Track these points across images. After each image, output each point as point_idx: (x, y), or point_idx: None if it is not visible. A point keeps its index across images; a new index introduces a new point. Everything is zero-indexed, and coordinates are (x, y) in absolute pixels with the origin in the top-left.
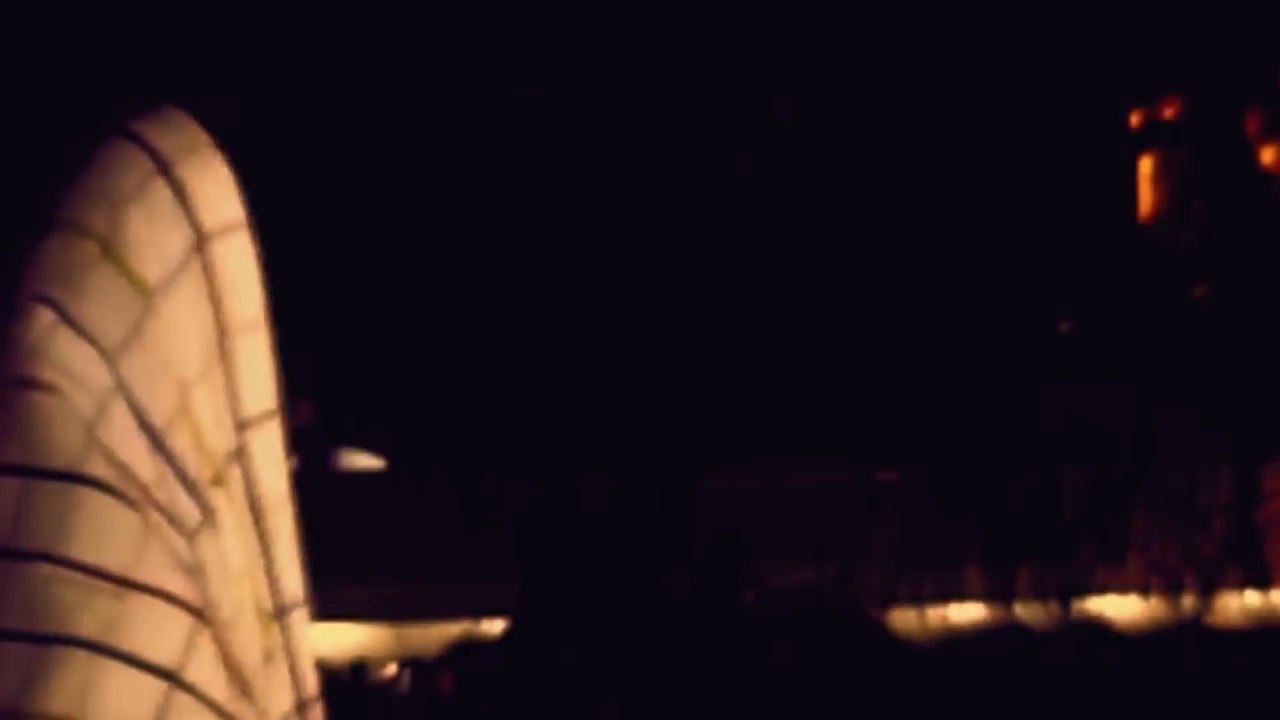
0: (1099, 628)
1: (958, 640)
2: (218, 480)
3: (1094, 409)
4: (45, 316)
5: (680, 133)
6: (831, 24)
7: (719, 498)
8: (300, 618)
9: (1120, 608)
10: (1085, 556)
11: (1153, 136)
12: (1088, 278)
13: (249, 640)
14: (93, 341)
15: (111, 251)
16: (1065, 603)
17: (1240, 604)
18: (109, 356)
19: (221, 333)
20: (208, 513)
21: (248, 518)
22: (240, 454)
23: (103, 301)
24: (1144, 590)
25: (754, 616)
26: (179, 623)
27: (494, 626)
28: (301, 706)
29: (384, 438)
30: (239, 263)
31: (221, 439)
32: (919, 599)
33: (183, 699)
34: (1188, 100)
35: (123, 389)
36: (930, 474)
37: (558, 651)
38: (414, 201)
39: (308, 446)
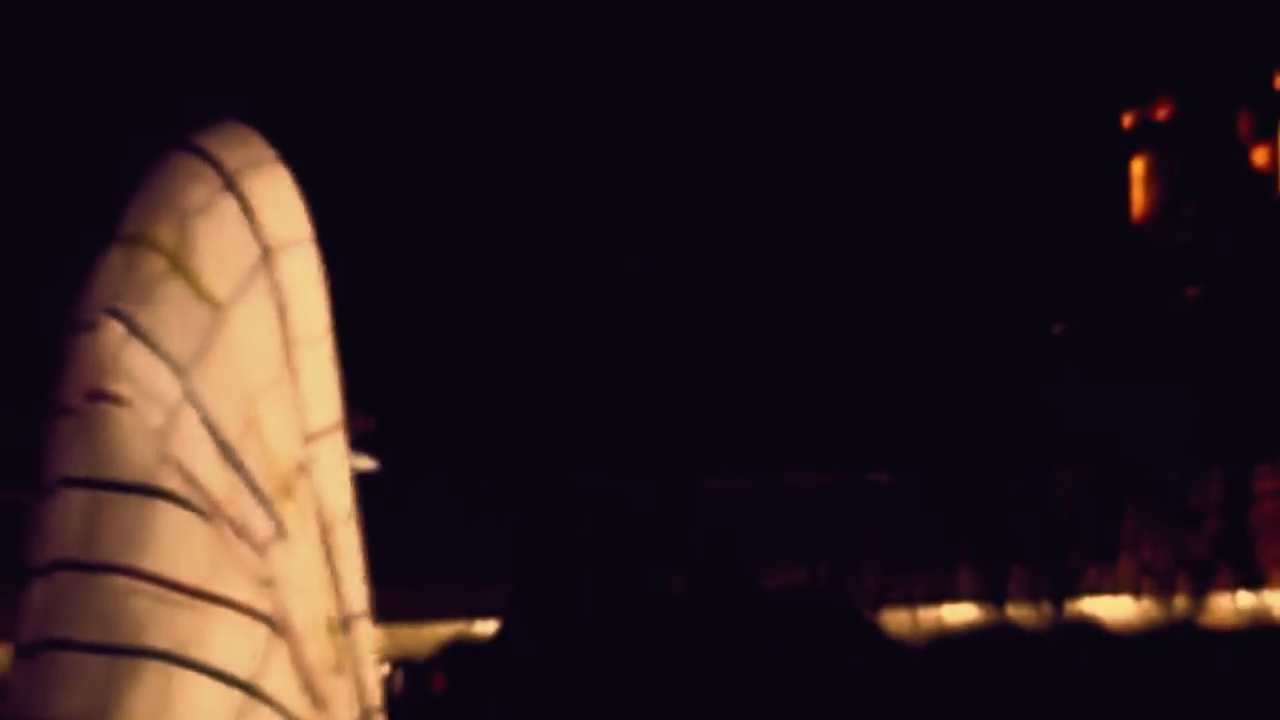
0: (1091, 629)
1: (950, 641)
2: (286, 492)
3: (1086, 410)
4: (116, 330)
5: (674, 136)
6: (825, 27)
7: (713, 498)
8: (364, 628)
9: (1112, 609)
10: (1077, 557)
11: (1145, 137)
12: (1080, 278)
13: (319, 650)
14: (163, 355)
15: (181, 266)
16: (1058, 604)
17: (1232, 605)
18: (179, 369)
19: (288, 345)
20: (278, 524)
21: (314, 529)
22: (307, 466)
23: (173, 315)
24: (1136, 591)
25: (747, 617)
26: (254, 634)
27: (486, 627)
28: (366, 715)
29: (377, 438)
30: (304, 275)
31: (289, 451)
32: (912, 600)
33: (259, 709)
34: (1180, 101)
35: (193, 401)
36: (923, 475)
37: (550, 652)
38: (408, 203)
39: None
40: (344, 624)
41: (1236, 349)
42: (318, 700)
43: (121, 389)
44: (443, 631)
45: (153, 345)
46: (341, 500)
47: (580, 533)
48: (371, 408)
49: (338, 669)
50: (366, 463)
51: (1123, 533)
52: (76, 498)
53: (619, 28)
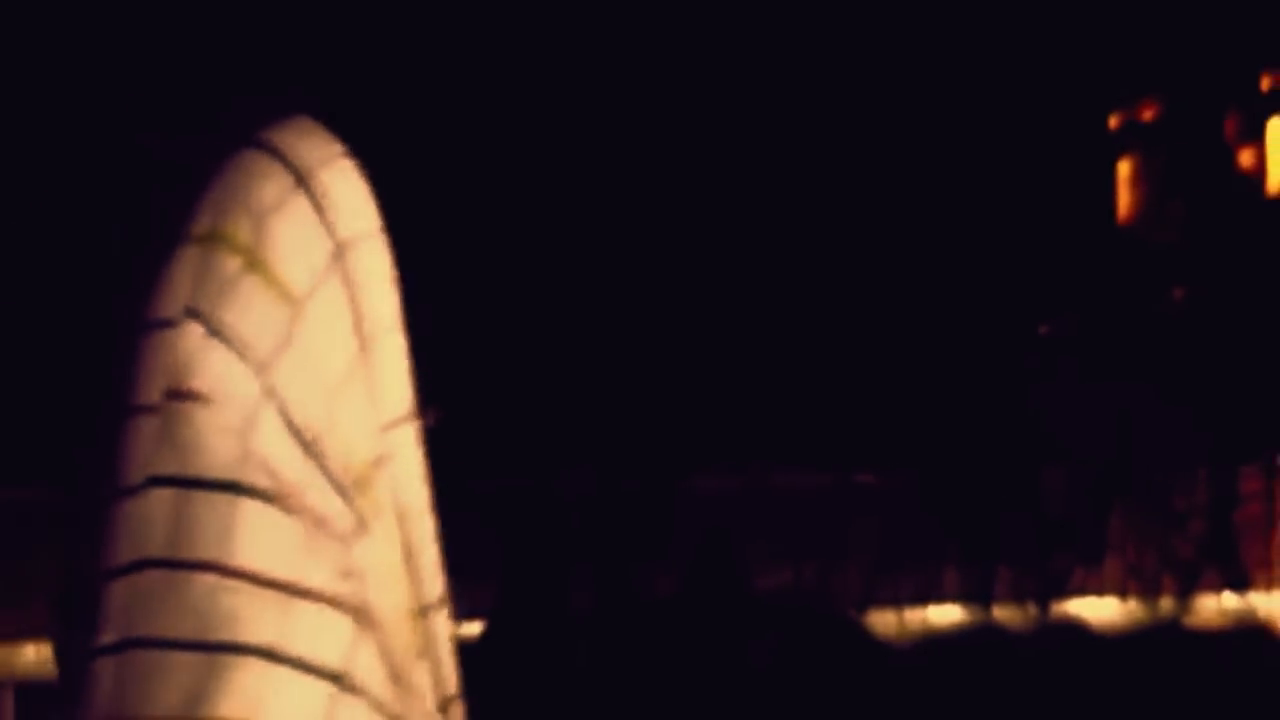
0: (1077, 630)
1: (936, 642)
2: (365, 484)
3: (1073, 411)
4: (195, 330)
5: (664, 142)
6: (811, 32)
7: (700, 499)
8: (442, 617)
9: (1098, 610)
10: (1063, 558)
11: (1132, 139)
12: (1067, 280)
13: (403, 639)
14: (243, 352)
15: (257, 263)
16: (1043, 605)
17: (1218, 606)
18: (259, 366)
19: (363, 338)
20: (359, 516)
21: (392, 519)
22: (384, 457)
23: (251, 313)
24: (1122, 592)
25: (734, 617)
26: (342, 625)
27: (472, 628)
28: (445, 703)
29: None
30: (376, 268)
31: (367, 443)
32: (898, 601)
33: (350, 700)
34: (1166, 103)
35: (273, 398)
36: (909, 476)
37: (537, 653)
38: (397, 202)
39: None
40: (421, 612)
41: (1223, 350)
42: (405, 688)
43: (203, 387)
44: None
45: (232, 343)
46: (417, 490)
47: (568, 533)
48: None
49: (419, 657)
50: None
51: (1109, 534)
52: (160, 497)
53: (621, 38)
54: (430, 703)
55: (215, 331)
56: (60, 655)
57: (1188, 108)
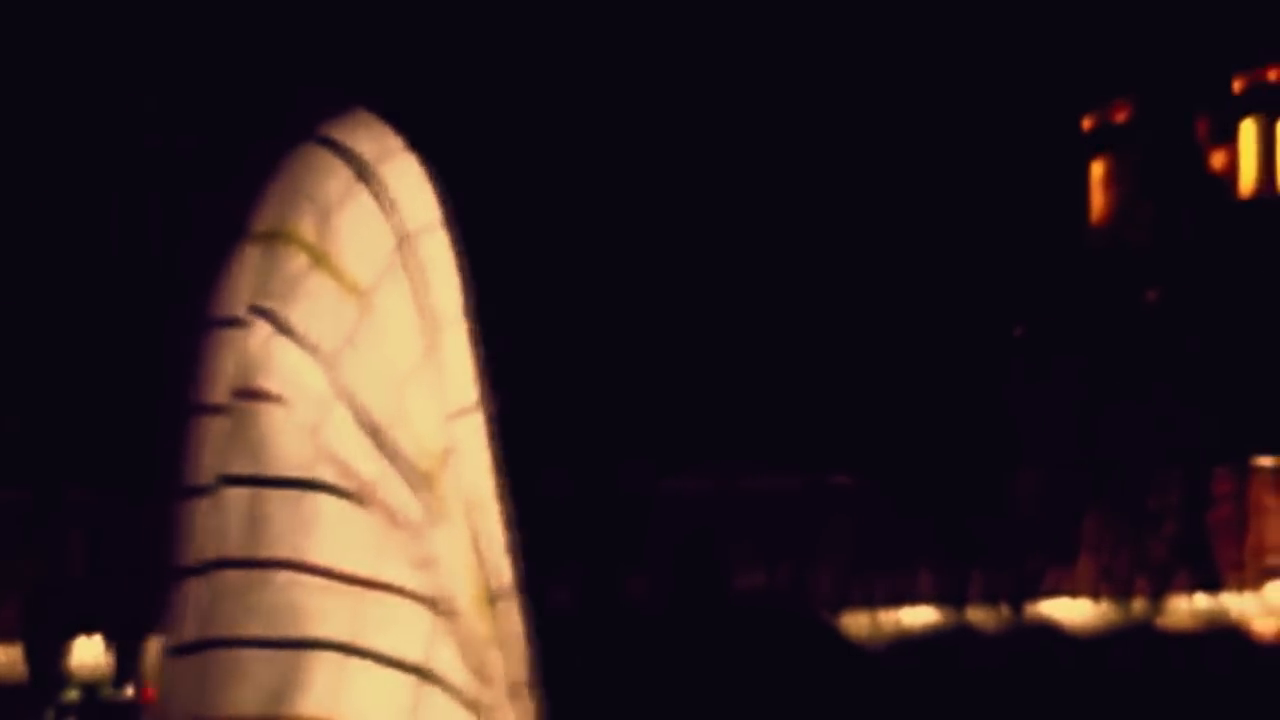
0: (1050, 631)
1: (909, 643)
2: (435, 475)
3: (1046, 413)
4: (263, 328)
5: (643, 149)
6: (785, 39)
7: (673, 500)
8: (511, 605)
9: (1071, 611)
10: (1036, 560)
11: (1104, 140)
12: (1040, 282)
13: (477, 629)
14: (312, 349)
15: (323, 259)
16: (1017, 606)
17: (1190, 607)
18: (328, 363)
19: (429, 330)
20: (431, 507)
21: (462, 509)
22: (453, 447)
23: (318, 309)
24: (1095, 594)
25: (715, 619)
26: (421, 618)
27: None
28: (516, 690)
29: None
30: (440, 259)
31: (436, 434)
32: (872, 602)
33: (433, 692)
34: (1139, 105)
35: (343, 393)
36: (883, 479)
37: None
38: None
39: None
40: (494, 600)
41: (1195, 351)
42: (483, 677)
43: (274, 386)
44: None
45: (300, 340)
46: (484, 479)
47: (542, 534)
48: None
49: (492, 645)
50: None
51: (1082, 535)
52: (234, 496)
53: (617, 44)
54: (502, 690)
55: (283, 329)
56: (30, 656)
57: (1160, 110)
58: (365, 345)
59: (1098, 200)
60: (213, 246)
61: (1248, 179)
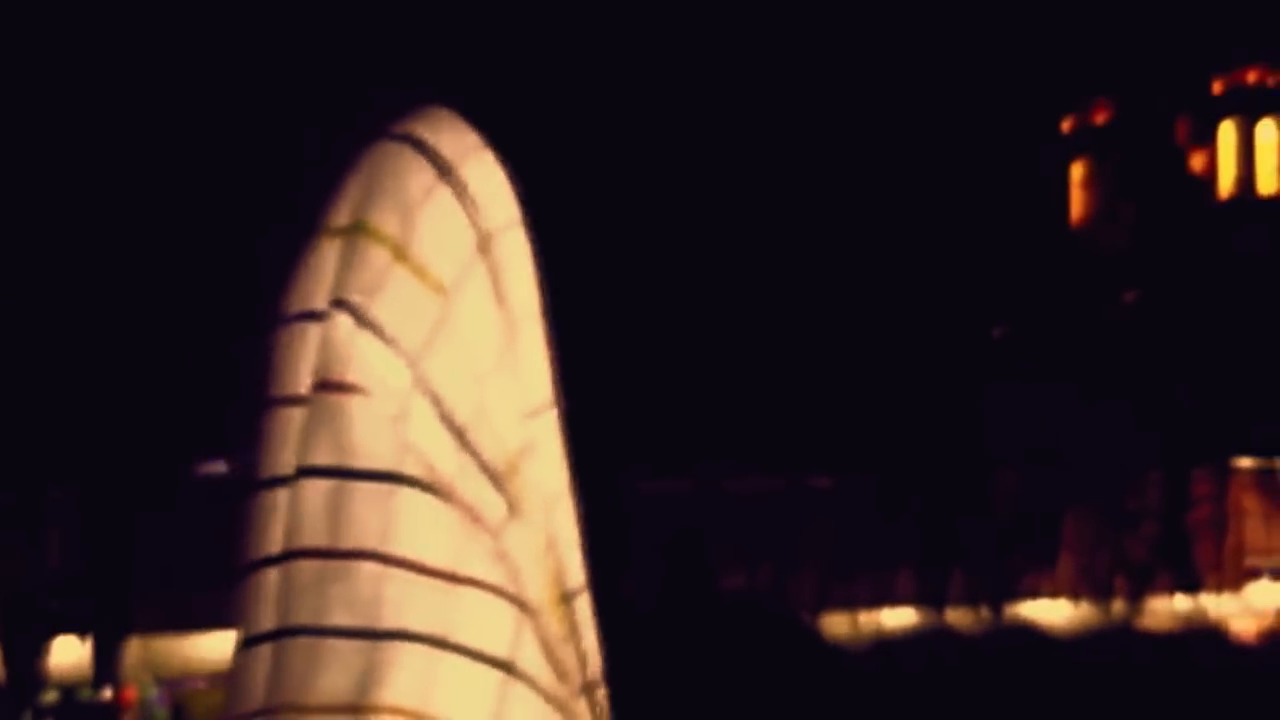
0: (1029, 632)
1: (890, 644)
2: (514, 472)
3: (1026, 414)
4: (345, 321)
5: (618, 150)
6: (775, 40)
7: (656, 502)
8: (584, 602)
9: (1051, 612)
10: (1016, 561)
11: (1084, 142)
12: (1020, 283)
13: (553, 626)
14: (394, 344)
15: (404, 255)
16: (996, 607)
17: (1169, 608)
18: (411, 358)
19: (508, 327)
20: (512, 504)
21: (539, 506)
22: (530, 445)
23: (401, 305)
24: (1074, 595)
25: (699, 618)
26: (505, 614)
27: None
28: (589, 688)
29: None
30: (518, 257)
31: (514, 431)
32: (852, 603)
33: (518, 688)
34: (1119, 107)
35: (425, 389)
36: (863, 480)
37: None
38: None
39: (231, 451)
40: (568, 598)
41: (1175, 353)
42: (561, 674)
43: (357, 379)
44: None
45: (383, 335)
46: (558, 476)
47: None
48: None
49: (566, 643)
50: None
51: (1061, 536)
52: (315, 487)
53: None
54: (576, 688)
55: (366, 323)
56: (9, 658)
57: (1139, 112)
58: (446, 343)
59: (1077, 201)
60: (288, 241)
61: (1226, 180)
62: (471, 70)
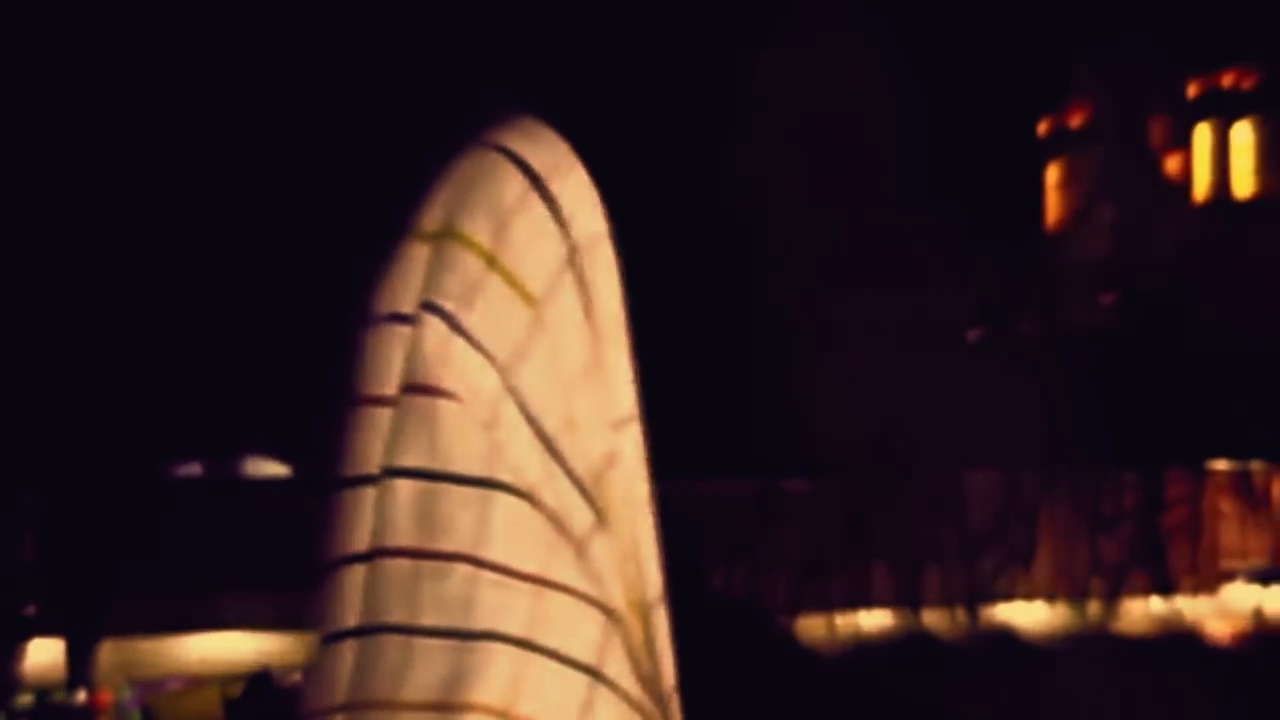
0: (1005, 634)
1: (865, 647)
2: (599, 481)
3: (1000, 416)
4: (438, 326)
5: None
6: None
7: None
8: (662, 611)
9: (1026, 614)
10: (991, 563)
11: (1060, 144)
12: (995, 284)
13: (636, 633)
14: (487, 351)
15: (496, 264)
16: (972, 610)
17: (1145, 610)
18: (502, 366)
19: (595, 339)
20: (599, 513)
21: (622, 516)
22: (615, 455)
23: (494, 314)
24: (1050, 597)
25: (700, 619)
26: (593, 621)
27: None
28: (665, 696)
29: (289, 445)
30: (605, 270)
31: (601, 441)
32: (828, 606)
33: (604, 693)
34: (1094, 109)
35: (515, 397)
36: (838, 483)
37: None
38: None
39: (214, 454)
40: (647, 606)
41: (1151, 355)
42: (643, 681)
43: (450, 384)
44: None
45: (476, 342)
46: (641, 488)
47: None
48: (283, 413)
49: (647, 650)
50: (278, 468)
51: (1037, 538)
52: (402, 487)
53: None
54: (655, 695)
55: (459, 329)
56: None
57: (1115, 114)
58: (537, 352)
59: (1053, 204)
60: (380, 246)
61: (1202, 183)
62: (562, 83)
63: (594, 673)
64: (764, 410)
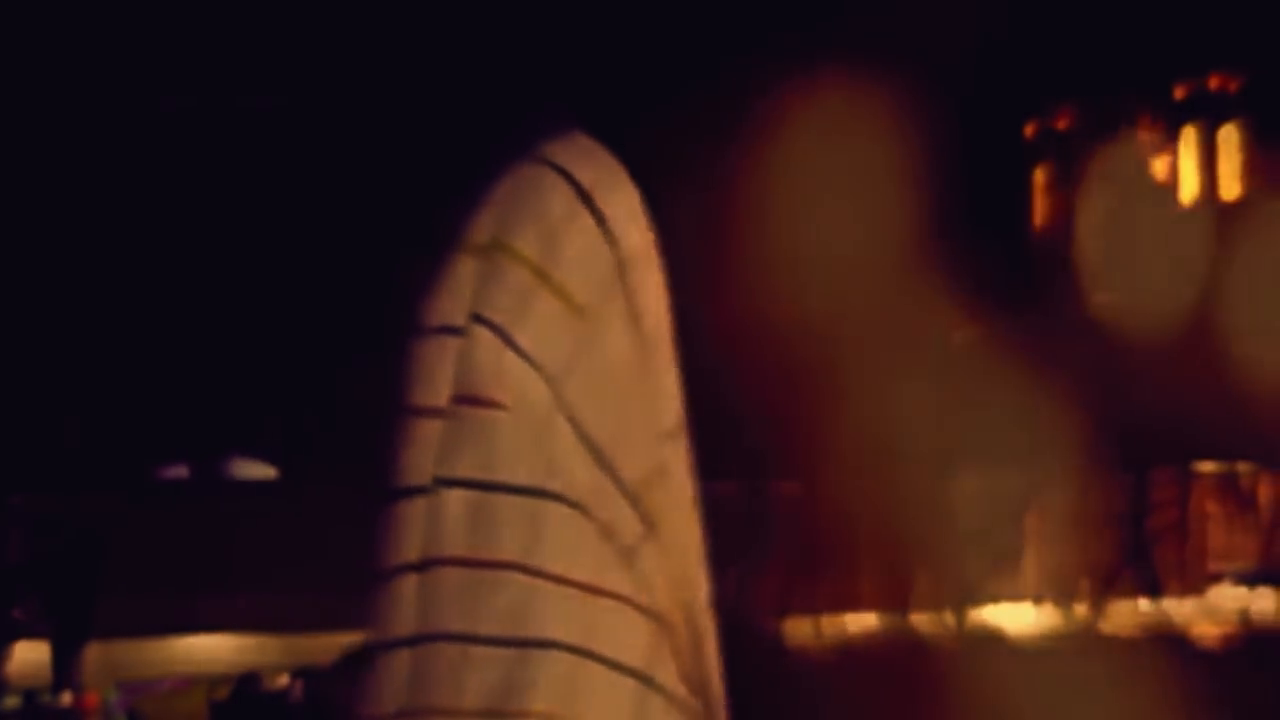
0: (993, 636)
1: (852, 649)
2: (648, 492)
3: (989, 418)
4: (489, 338)
5: None
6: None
7: None
8: (709, 618)
9: (1014, 616)
10: (979, 565)
11: (1047, 147)
12: (982, 287)
13: (685, 641)
14: (537, 363)
15: (546, 277)
16: (959, 612)
17: (1133, 611)
18: (551, 377)
19: (643, 351)
20: (648, 523)
21: (670, 526)
22: (663, 466)
23: (544, 327)
24: (1037, 599)
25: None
26: (643, 628)
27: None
28: (710, 703)
29: (275, 447)
30: (653, 283)
31: (650, 452)
32: (815, 608)
33: (655, 699)
34: (1081, 111)
35: (565, 409)
36: (825, 484)
37: None
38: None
39: (200, 456)
40: (695, 614)
41: (1138, 357)
42: (692, 686)
43: (501, 395)
44: (342, 641)
45: (526, 354)
46: (688, 498)
47: None
48: (268, 416)
49: (695, 656)
50: (265, 470)
51: (1024, 540)
52: (454, 498)
53: None
54: (702, 700)
55: (510, 342)
56: None
57: (1102, 116)
58: (586, 364)
59: (1040, 207)
60: (428, 258)
61: (1189, 185)
62: (608, 97)
63: (646, 679)
64: (751, 413)
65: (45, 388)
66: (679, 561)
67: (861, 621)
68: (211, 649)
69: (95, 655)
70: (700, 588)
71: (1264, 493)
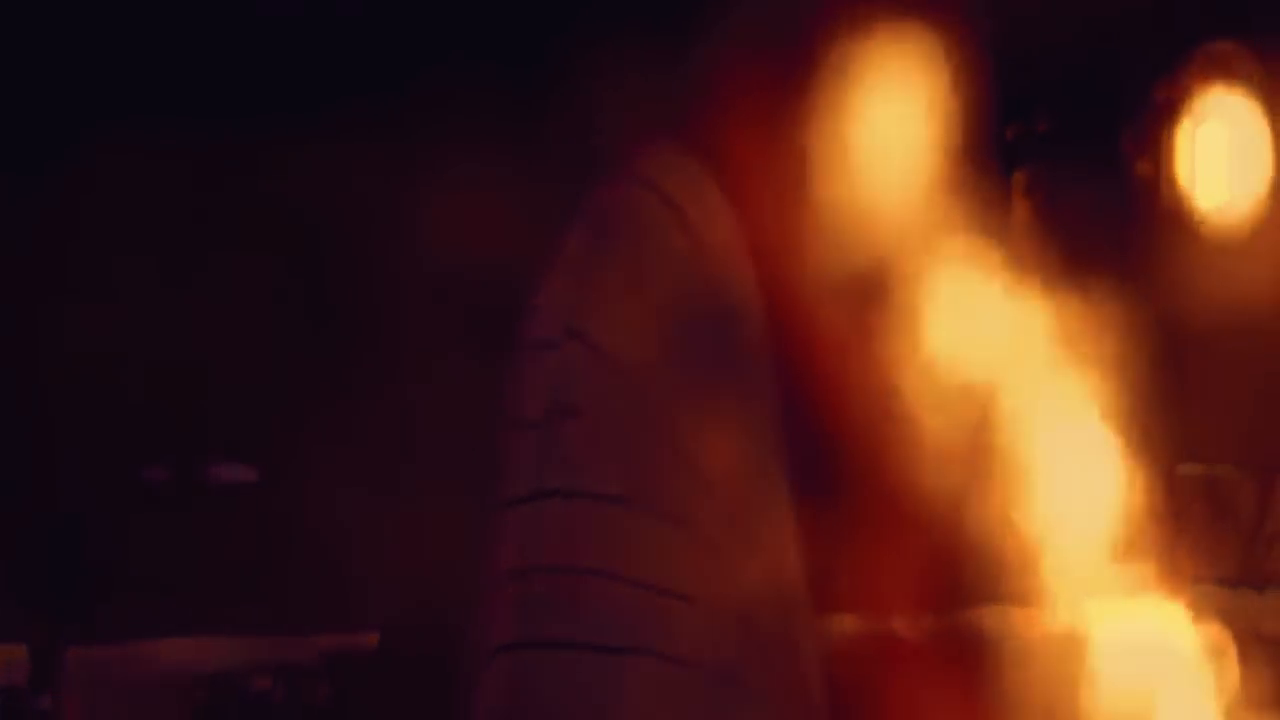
0: (974, 636)
1: (831, 653)
2: (737, 490)
3: None
4: (576, 349)
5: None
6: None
7: None
8: (805, 620)
9: (996, 617)
10: (962, 566)
11: (1027, 149)
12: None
13: (777, 642)
14: (623, 372)
15: (636, 289)
16: (941, 612)
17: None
18: (637, 386)
19: (732, 351)
20: (726, 523)
21: (756, 522)
22: (751, 465)
23: (630, 335)
24: (1020, 600)
25: None
26: (728, 629)
27: (370, 637)
28: (812, 709)
29: (258, 448)
30: (740, 284)
31: (737, 452)
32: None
33: (744, 702)
34: (1062, 113)
35: (650, 415)
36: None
37: (431, 662)
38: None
39: (178, 457)
40: (788, 614)
41: (1122, 360)
42: (786, 692)
43: (584, 405)
44: (325, 643)
45: (612, 362)
46: (777, 495)
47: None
48: (252, 416)
49: (789, 660)
50: (246, 472)
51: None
52: (548, 507)
53: None
54: (799, 704)
55: (595, 349)
56: None
57: (1083, 118)
58: (672, 371)
59: (1021, 209)
60: (533, 267)
61: (1171, 188)
62: (697, 110)
63: (735, 683)
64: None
65: (32, 389)
66: (768, 560)
67: (844, 623)
68: (194, 652)
69: (75, 657)
70: (792, 587)
71: (1245, 497)
